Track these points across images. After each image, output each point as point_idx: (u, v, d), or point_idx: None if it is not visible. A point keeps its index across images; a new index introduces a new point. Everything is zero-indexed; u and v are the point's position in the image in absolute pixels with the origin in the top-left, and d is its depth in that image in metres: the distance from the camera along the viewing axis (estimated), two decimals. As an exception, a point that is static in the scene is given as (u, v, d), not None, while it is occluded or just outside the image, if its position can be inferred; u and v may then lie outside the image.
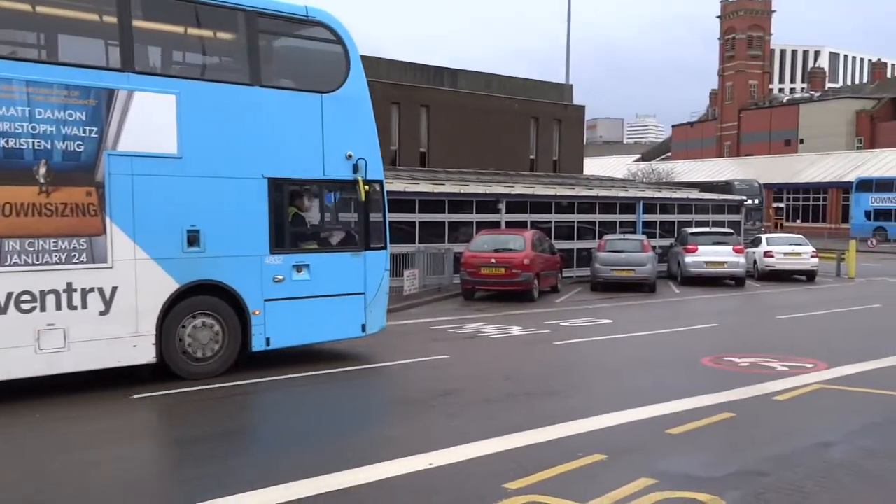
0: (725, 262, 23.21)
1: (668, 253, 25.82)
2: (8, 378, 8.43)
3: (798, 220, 60.23)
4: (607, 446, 6.86)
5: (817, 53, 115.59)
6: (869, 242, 38.12)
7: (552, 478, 6.00)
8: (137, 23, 9.27)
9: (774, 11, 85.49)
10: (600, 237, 23.79)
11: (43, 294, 8.53)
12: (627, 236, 23.46)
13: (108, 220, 8.89)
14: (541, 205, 24.23)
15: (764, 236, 27.50)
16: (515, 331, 14.18)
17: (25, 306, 8.43)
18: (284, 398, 9.27)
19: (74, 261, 8.71)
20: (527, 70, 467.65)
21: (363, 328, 11.05)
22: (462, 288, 19.54)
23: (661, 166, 66.12)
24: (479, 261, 19.01)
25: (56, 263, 8.60)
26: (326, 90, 10.58)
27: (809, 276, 25.25)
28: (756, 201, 39.13)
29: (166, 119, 9.28)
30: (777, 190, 61.55)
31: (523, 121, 34.27)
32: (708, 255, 23.22)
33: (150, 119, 9.17)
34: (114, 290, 8.98)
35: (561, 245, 23.54)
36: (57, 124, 8.58)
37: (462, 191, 22.82)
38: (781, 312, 17.08)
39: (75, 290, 8.74)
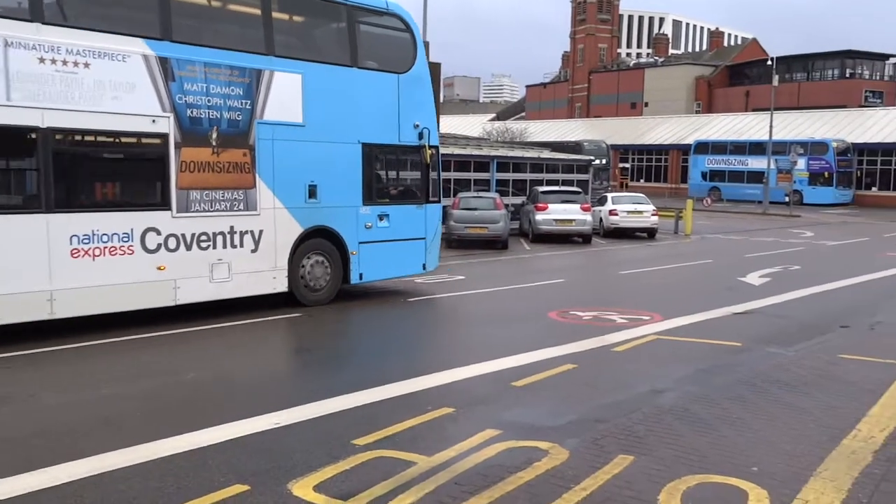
0: (574, 220, 24.05)
1: (520, 211, 26.47)
2: (188, 301, 10.55)
3: (642, 180, 63.21)
4: (456, 400, 7.01)
5: (662, 20, 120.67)
6: (705, 201, 40.53)
7: (401, 432, 6.07)
8: (275, 14, 11.38)
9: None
10: (455, 195, 24.08)
11: (214, 235, 10.73)
12: (481, 194, 23.83)
13: (257, 176, 11.10)
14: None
15: (609, 195, 28.65)
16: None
17: (203, 244, 10.64)
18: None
19: (235, 209, 10.91)
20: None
21: (424, 266, 13.58)
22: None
23: (515, 126, 67.41)
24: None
25: (223, 211, 10.79)
26: (401, 71, 12.88)
27: (650, 233, 26.60)
28: (604, 161, 40.64)
29: (294, 94, 11.43)
30: (623, 151, 64.23)
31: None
32: (557, 213, 23.98)
33: (284, 94, 11.29)
34: (261, 232, 11.24)
35: (416, 202, 23.44)
36: (224, 97, 10.67)
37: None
38: (624, 268, 17.94)
39: (235, 233, 10.96)
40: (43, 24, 9.17)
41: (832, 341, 9.96)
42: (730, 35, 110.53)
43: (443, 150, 26.13)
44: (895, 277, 16.86)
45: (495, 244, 22.07)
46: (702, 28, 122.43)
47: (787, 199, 44.43)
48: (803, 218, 38.92)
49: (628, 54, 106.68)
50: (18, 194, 9.56)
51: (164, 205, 10.26)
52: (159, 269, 10.24)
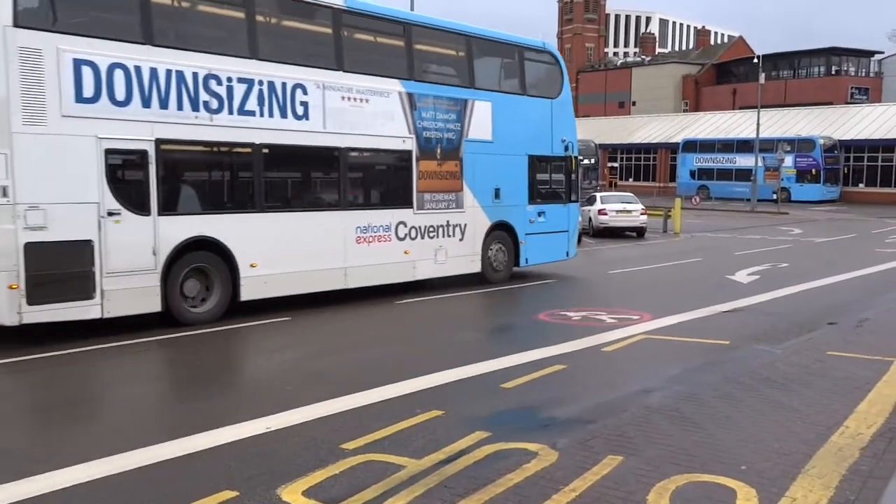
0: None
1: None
2: (421, 278, 13.73)
3: (630, 179, 63.36)
4: (445, 402, 7.02)
5: (648, 19, 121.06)
6: (693, 200, 40.63)
7: (390, 435, 6.07)
8: (475, 57, 14.53)
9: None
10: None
11: (437, 227, 13.85)
12: None
13: (463, 182, 14.23)
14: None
15: (598, 195, 28.72)
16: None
17: (431, 234, 13.77)
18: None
19: (450, 207, 14.04)
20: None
21: (567, 254, 16.52)
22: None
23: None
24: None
25: (443, 209, 13.91)
26: (553, 96, 15.99)
27: (639, 232, 26.67)
28: (592, 161, 40.72)
29: (487, 118, 14.50)
30: (612, 150, 64.36)
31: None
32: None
33: (481, 118, 14.37)
34: (465, 225, 14.36)
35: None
36: (445, 122, 13.76)
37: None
38: (613, 267, 17.98)
39: (450, 226, 14.08)
40: (344, 71, 12.24)
41: (820, 338, 10.02)
42: (716, 33, 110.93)
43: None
44: (882, 274, 16.97)
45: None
46: (688, 27, 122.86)
47: (774, 196, 44.63)
48: (791, 215, 39.12)
49: (615, 54, 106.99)
50: (326, 197, 12.63)
51: (408, 204, 13.41)
52: (405, 252, 13.39)
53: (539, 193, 15.80)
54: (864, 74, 69.00)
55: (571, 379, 8.00)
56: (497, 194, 14.89)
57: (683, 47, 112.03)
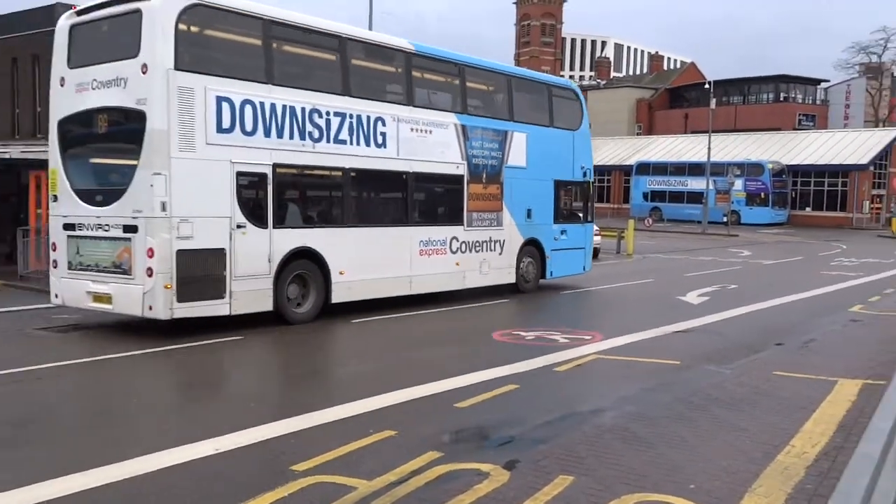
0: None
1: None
2: (469, 287, 15.56)
3: (585, 201, 63.92)
4: (398, 422, 6.97)
5: (604, 44, 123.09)
6: (646, 221, 41.22)
7: (341, 456, 6.01)
8: (514, 93, 16.51)
9: (566, 1, 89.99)
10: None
11: (482, 242, 15.65)
12: None
13: (503, 203, 16.05)
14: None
15: (553, 215, 28.79)
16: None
17: (477, 249, 15.55)
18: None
19: (492, 225, 15.86)
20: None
21: (584, 268, 18.50)
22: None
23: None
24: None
25: (487, 226, 15.74)
26: (574, 128, 17.95)
27: (593, 253, 26.84)
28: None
29: (522, 147, 16.30)
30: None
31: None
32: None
33: (518, 147, 16.20)
34: (504, 241, 16.15)
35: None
36: (489, 150, 15.60)
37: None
38: (566, 288, 18.09)
39: (492, 241, 15.86)
40: (413, 106, 14.21)
41: (767, 359, 10.19)
42: (669, 59, 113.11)
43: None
44: (827, 296, 17.36)
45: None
46: (642, 52, 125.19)
47: (725, 219, 45.47)
48: (741, 237, 39.88)
49: (571, 77, 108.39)
50: (397, 214, 14.38)
51: (460, 222, 15.27)
52: (456, 264, 15.20)
53: (562, 214, 17.87)
54: (811, 102, 70.90)
55: (524, 399, 8.01)
56: (529, 214, 16.82)
57: (638, 72, 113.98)
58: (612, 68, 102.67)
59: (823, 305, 15.68)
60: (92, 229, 11.30)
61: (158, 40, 10.62)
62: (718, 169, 48.67)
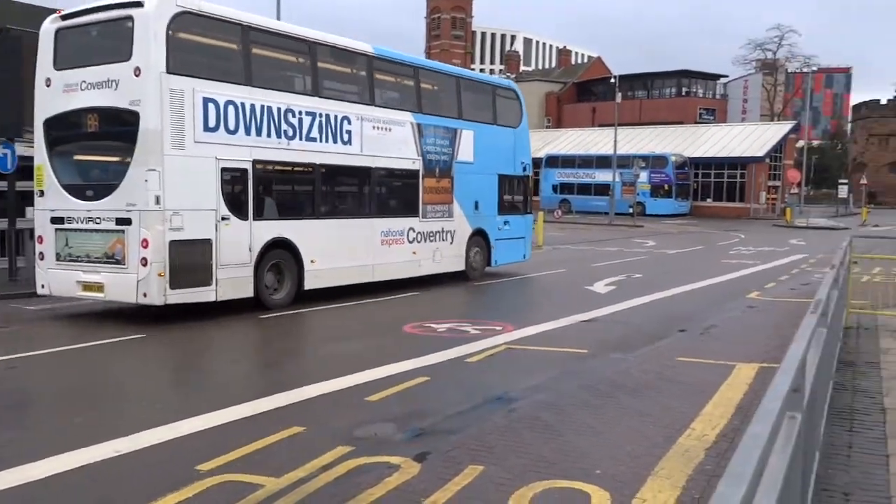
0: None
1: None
2: (424, 274, 16.61)
3: (496, 193, 64.61)
4: (307, 418, 6.88)
5: (513, 38, 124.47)
6: (555, 213, 41.97)
7: (248, 454, 5.89)
8: (463, 93, 17.81)
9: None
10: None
11: (435, 233, 16.78)
12: None
13: (454, 196, 17.25)
14: None
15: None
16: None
17: (431, 239, 16.69)
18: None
19: (443, 216, 16.99)
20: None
21: (524, 256, 19.96)
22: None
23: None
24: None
25: (439, 217, 16.86)
26: (515, 126, 19.28)
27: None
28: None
29: (469, 143, 17.51)
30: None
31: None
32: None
33: (465, 144, 17.39)
34: (454, 231, 17.35)
35: None
36: (441, 147, 16.75)
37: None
38: (477, 280, 18.22)
39: (443, 231, 17.03)
40: (375, 106, 15.31)
41: (670, 345, 10.51)
42: (577, 53, 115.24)
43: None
44: (727, 283, 18.03)
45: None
46: (551, 46, 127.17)
47: (631, 210, 46.69)
48: (646, 228, 41.01)
49: (482, 70, 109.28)
50: (362, 207, 15.39)
51: (416, 214, 16.42)
52: (413, 253, 16.35)
53: (505, 206, 19.06)
54: (711, 96, 73.49)
55: (435, 391, 8.03)
56: (476, 206, 18.04)
57: (547, 66, 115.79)
58: (521, 62, 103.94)
59: (723, 293, 16.27)
60: (82, 222, 12.03)
61: (151, 45, 11.43)
62: (624, 161, 49.91)
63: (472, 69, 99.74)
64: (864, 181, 58.90)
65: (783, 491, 2.14)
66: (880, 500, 5.01)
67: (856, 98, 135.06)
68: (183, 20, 11.88)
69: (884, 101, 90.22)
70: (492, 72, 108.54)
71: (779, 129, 58.39)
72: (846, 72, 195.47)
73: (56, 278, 12.36)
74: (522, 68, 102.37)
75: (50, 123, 12.52)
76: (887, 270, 14.87)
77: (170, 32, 11.58)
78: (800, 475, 2.96)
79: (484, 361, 9.44)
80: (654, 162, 52.95)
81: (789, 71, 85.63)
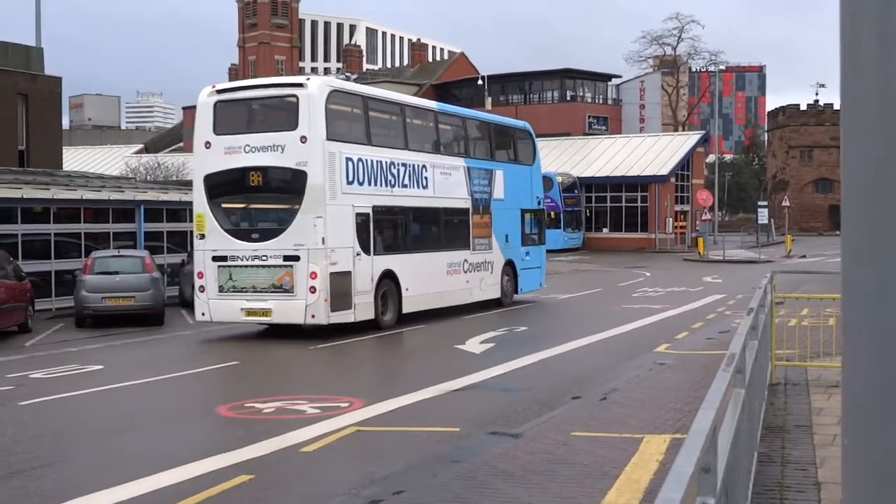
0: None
1: (179, 273, 25.93)
2: (474, 300, 23.25)
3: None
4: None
5: (353, 28, 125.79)
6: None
7: None
8: (494, 139, 26.00)
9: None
10: (87, 254, 23.01)
11: (480, 263, 23.62)
12: (124, 252, 23.12)
13: (492, 230, 24.29)
14: (2, 213, 22.75)
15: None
16: (-39, 391, 13.02)
17: (478, 269, 23.56)
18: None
19: (485, 249, 23.98)
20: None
21: (540, 284, 27.09)
22: None
23: (169, 160, 66.23)
24: None
25: (482, 250, 23.83)
26: (530, 164, 27.02)
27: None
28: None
29: (501, 182, 24.67)
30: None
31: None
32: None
33: (498, 183, 24.57)
34: (493, 262, 24.21)
35: (32, 267, 22.33)
36: (483, 186, 23.96)
37: None
38: (316, 342, 18.11)
39: (486, 262, 23.93)
40: (440, 154, 22.67)
41: (563, 416, 10.78)
42: (434, 48, 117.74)
43: (67, 195, 25.19)
44: (630, 334, 18.72)
45: (147, 319, 21.37)
46: (401, 38, 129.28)
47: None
48: (529, 267, 41.95)
49: (314, 69, 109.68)
50: (433, 242, 22.23)
51: (468, 247, 23.14)
52: (466, 282, 23.01)
53: (526, 237, 26.24)
54: (601, 101, 76.74)
55: (262, 493, 7.88)
56: (507, 239, 25.01)
57: (396, 63, 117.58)
58: (364, 58, 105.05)
59: (626, 346, 16.87)
60: (247, 259, 18.18)
61: (315, 117, 17.93)
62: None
63: (302, 67, 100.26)
64: (786, 203, 62.50)
65: None
66: None
67: (772, 102, 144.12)
68: (334, 96, 19.04)
69: (804, 107, 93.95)
70: (327, 70, 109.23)
71: (684, 141, 61.47)
72: (758, 70, 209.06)
73: (218, 307, 18.42)
74: (366, 66, 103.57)
75: (211, 179, 18.72)
76: (818, 312, 15.80)
77: (327, 107, 18.26)
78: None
79: (325, 449, 9.34)
80: (536, 184, 54.46)
81: (693, 70, 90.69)
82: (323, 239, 17.56)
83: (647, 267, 41.38)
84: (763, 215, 57.84)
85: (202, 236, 18.47)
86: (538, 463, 8.68)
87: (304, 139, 17.72)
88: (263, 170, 18.35)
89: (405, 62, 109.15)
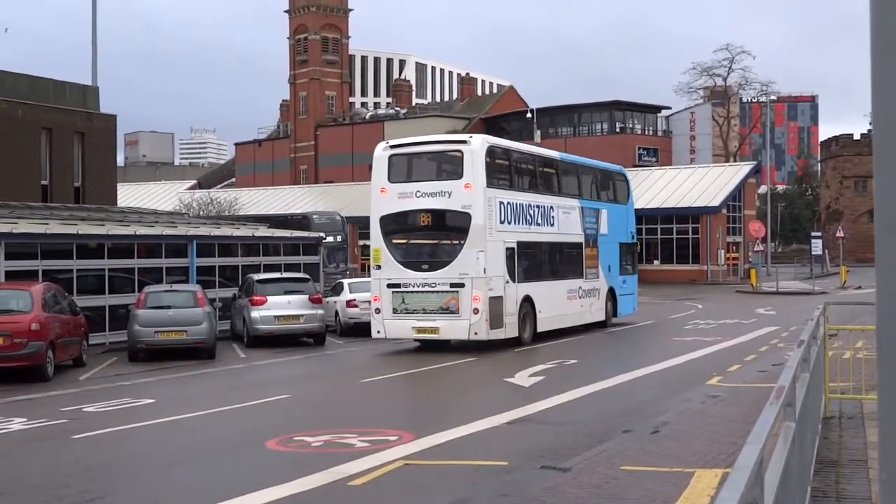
0: (301, 316, 24.20)
1: (231, 307, 26.15)
2: (586, 322, 27.50)
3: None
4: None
5: (403, 63, 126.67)
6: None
7: None
8: (599, 181, 31.12)
9: (352, 10, 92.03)
10: (141, 289, 23.30)
11: (590, 290, 28.00)
12: (176, 287, 23.33)
13: (598, 261, 28.65)
14: (58, 249, 23.11)
15: (346, 282, 29.11)
16: (17, 424, 13.23)
17: (588, 295, 27.89)
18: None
19: (594, 278, 28.30)
20: (34, 64, 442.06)
21: (634, 309, 31.31)
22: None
23: (222, 195, 67.02)
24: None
25: (592, 279, 28.16)
26: (625, 203, 31.77)
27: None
28: (339, 238, 41.38)
29: (605, 219, 29.22)
30: (363, 224, 65.42)
31: (30, 133, 32.45)
32: (279, 307, 24.01)
33: (602, 219, 29.07)
34: (599, 289, 28.68)
35: (86, 302, 22.65)
36: (592, 223, 28.41)
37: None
38: (366, 374, 18.18)
39: (594, 289, 28.32)
40: (561, 196, 26.87)
41: (613, 450, 10.65)
42: (483, 81, 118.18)
43: (121, 230, 25.57)
44: (682, 367, 18.52)
45: (198, 353, 21.55)
46: (450, 73, 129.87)
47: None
48: (579, 300, 41.78)
49: (364, 104, 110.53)
50: (558, 271, 26.32)
51: (581, 276, 27.14)
52: (581, 306, 26.92)
53: (623, 267, 30.13)
54: (651, 133, 76.39)
55: (310, 526, 7.87)
56: (609, 269, 28.86)
57: (446, 97, 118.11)
58: (413, 93, 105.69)
59: (677, 379, 16.69)
60: (418, 286, 22.00)
61: (477, 168, 21.82)
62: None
63: (352, 102, 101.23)
64: (840, 233, 61.53)
65: None
66: None
67: (825, 132, 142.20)
68: (491, 150, 22.98)
69: (857, 136, 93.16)
70: (377, 105, 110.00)
71: (735, 172, 60.99)
72: (811, 100, 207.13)
73: (392, 326, 22.10)
74: (416, 101, 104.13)
75: (386, 219, 22.64)
76: (873, 344, 15.51)
77: (487, 160, 22.18)
78: None
79: (373, 484, 9.32)
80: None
81: (744, 101, 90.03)
82: (484, 269, 21.27)
83: (699, 299, 41.00)
84: (817, 246, 57.14)
85: (378, 267, 22.41)
86: (587, 497, 8.59)
87: (468, 186, 21.59)
88: (433, 212, 22.31)
89: (454, 96, 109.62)
